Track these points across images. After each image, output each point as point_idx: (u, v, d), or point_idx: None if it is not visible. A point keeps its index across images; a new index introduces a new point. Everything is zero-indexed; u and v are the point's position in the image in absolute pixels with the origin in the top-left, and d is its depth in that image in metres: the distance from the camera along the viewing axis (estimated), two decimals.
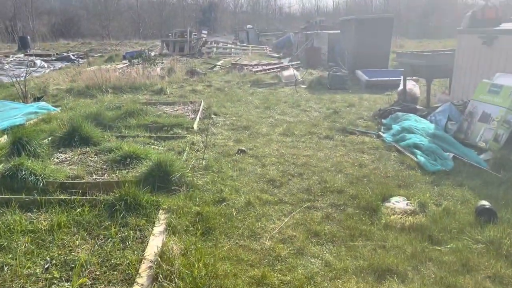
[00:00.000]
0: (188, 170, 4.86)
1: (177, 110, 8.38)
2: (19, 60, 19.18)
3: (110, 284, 2.97)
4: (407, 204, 4.18)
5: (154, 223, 3.79)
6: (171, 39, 22.39)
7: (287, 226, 3.84)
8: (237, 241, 3.61)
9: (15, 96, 9.45)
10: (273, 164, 5.38)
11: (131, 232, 3.63)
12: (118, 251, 3.34)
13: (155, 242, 3.44)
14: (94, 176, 4.85)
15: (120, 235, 3.57)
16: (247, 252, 3.45)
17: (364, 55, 12.27)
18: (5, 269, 3.07)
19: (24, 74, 9.91)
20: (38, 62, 16.99)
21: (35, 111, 7.86)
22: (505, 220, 3.73)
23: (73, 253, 3.30)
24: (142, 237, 3.57)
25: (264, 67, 14.65)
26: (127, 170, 5.02)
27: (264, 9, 59.90)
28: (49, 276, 3.01)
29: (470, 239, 3.47)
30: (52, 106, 8.58)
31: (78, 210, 3.89)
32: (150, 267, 3.11)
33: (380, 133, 6.65)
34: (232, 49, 22.83)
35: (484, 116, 5.91)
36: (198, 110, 8.11)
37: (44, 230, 3.61)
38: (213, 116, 7.95)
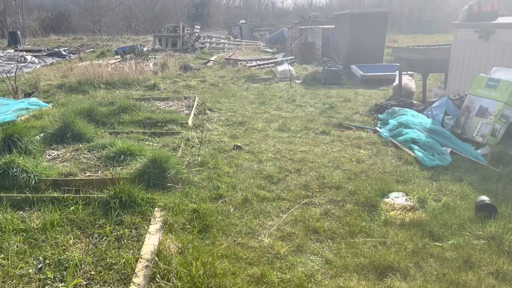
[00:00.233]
0: (183, 167, 4.78)
1: (171, 105, 8.27)
2: (9, 55, 18.88)
3: (106, 284, 2.89)
4: (406, 199, 4.13)
5: (150, 221, 3.71)
6: (163, 34, 22.18)
7: (286, 223, 3.78)
8: (235, 238, 3.54)
9: (6, 92, 9.29)
10: (270, 160, 5.31)
11: (126, 230, 3.54)
12: (114, 250, 3.26)
13: (151, 241, 3.36)
14: (88, 173, 4.75)
15: (115, 234, 3.48)
16: (246, 250, 3.38)
17: (358, 50, 12.22)
18: None
19: (15, 70, 9.72)
20: (28, 57, 16.72)
21: (26, 107, 7.71)
22: (505, 215, 3.70)
23: (66, 253, 3.22)
24: (137, 236, 3.49)
25: (258, 62, 14.56)
26: (121, 167, 4.92)
27: (256, 4, 59.67)
28: (42, 277, 2.92)
29: (471, 235, 3.44)
30: (44, 102, 8.42)
31: (72, 208, 3.80)
32: (146, 267, 3.03)
33: (376, 128, 6.60)
34: (226, 44, 22.69)
35: (481, 111, 5.88)
36: (193, 106, 8.01)
37: (37, 229, 3.51)
38: (207, 111, 7.85)
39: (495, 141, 5.58)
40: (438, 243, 3.35)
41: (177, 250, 3.18)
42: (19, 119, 6.82)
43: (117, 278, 2.94)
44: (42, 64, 16.25)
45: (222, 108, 8.19)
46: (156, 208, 3.92)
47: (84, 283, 2.89)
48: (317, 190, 4.44)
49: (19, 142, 5.10)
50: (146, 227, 3.60)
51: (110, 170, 4.84)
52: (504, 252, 3.19)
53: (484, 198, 3.87)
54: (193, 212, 3.89)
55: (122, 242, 3.39)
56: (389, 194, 4.26)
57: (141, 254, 3.18)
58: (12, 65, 13.68)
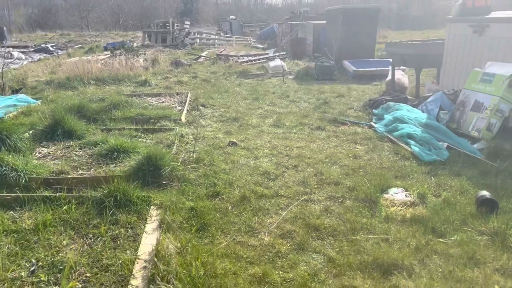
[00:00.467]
0: (179, 164, 4.67)
1: (163, 102, 8.14)
2: None
3: (102, 287, 2.78)
4: (406, 195, 4.09)
5: (146, 220, 3.60)
6: (153, 30, 21.91)
7: (285, 221, 3.70)
8: (234, 237, 3.46)
9: None
10: (266, 156, 5.23)
11: (122, 230, 3.44)
12: (109, 251, 3.15)
13: (149, 241, 3.26)
14: (80, 171, 4.62)
15: (110, 234, 3.38)
16: (246, 248, 3.30)
17: (350, 46, 12.17)
18: None
19: (1, 66, 9.47)
20: (15, 53, 16.37)
21: (14, 104, 7.52)
22: (507, 210, 3.67)
23: (60, 254, 3.10)
24: (134, 235, 3.39)
25: (250, 58, 14.44)
26: (114, 165, 4.80)
27: (246, 0, 59.30)
28: (35, 280, 2.81)
29: (474, 230, 3.40)
30: (32, 98, 8.22)
31: (65, 207, 3.68)
32: (144, 268, 2.93)
33: (371, 123, 6.56)
34: (216, 40, 22.50)
35: (476, 105, 5.86)
36: (185, 102, 7.88)
37: (29, 229, 3.39)
38: (200, 107, 7.74)
39: (490, 136, 5.57)
40: (441, 240, 3.31)
41: (176, 250, 3.08)
42: (7, 116, 6.64)
43: (114, 280, 2.84)
44: (29, 60, 15.91)
45: (215, 104, 8.08)
46: (152, 207, 3.81)
47: (80, 286, 2.78)
48: (316, 186, 4.37)
49: (7, 140, 4.95)
50: (143, 226, 3.49)
51: (103, 167, 4.72)
52: (508, 248, 3.15)
53: (485, 193, 3.84)
54: (191, 210, 3.80)
55: (118, 242, 3.28)
56: (389, 190, 4.21)
57: (138, 254, 3.08)
58: None
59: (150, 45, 20.19)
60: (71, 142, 5.51)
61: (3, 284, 2.76)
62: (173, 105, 7.85)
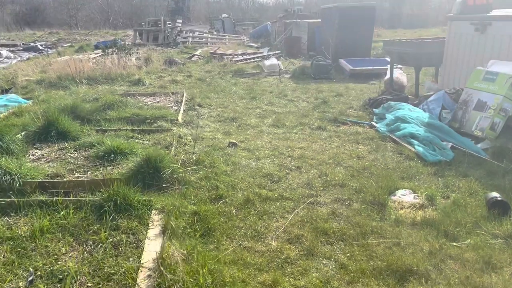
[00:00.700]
0: (178, 166, 4.52)
1: (158, 101, 7.96)
2: None
3: None
4: (414, 197, 3.99)
5: (147, 225, 3.46)
6: (144, 28, 21.61)
7: (292, 225, 3.58)
8: (240, 242, 3.33)
9: None
10: (268, 157, 5.10)
11: (123, 236, 3.29)
12: (111, 259, 3.00)
13: (152, 247, 3.12)
14: (76, 174, 4.45)
15: (111, 240, 3.22)
16: (253, 254, 3.17)
17: (346, 44, 12.07)
18: None
19: None
20: (3, 52, 16.01)
21: (5, 104, 7.29)
22: None
23: (59, 262, 2.95)
24: (136, 242, 3.24)
25: (245, 57, 14.29)
26: (111, 167, 4.64)
27: None
28: None
29: (487, 233, 3.31)
30: (23, 98, 8.00)
31: (62, 213, 3.51)
32: (149, 276, 2.79)
33: (373, 123, 6.46)
34: (209, 39, 22.30)
35: (479, 104, 5.79)
36: (181, 102, 7.72)
37: (25, 236, 3.22)
38: (197, 107, 7.58)
39: (494, 135, 5.50)
40: (454, 243, 3.21)
41: (182, 258, 2.94)
42: None
43: None
44: (19, 59, 15.58)
45: (212, 103, 7.93)
46: (153, 211, 3.66)
47: None
48: (321, 188, 4.25)
49: (0, 142, 4.75)
50: (145, 232, 3.35)
51: (100, 170, 4.55)
52: None
53: (495, 194, 3.75)
54: (194, 214, 3.66)
55: (120, 249, 3.13)
56: (396, 191, 4.11)
57: (141, 262, 2.94)
58: None
59: (141, 43, 19.92)
60: (66, 144, 5.33)
61: None
62: (169, 105, 7.68)
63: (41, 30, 35.10)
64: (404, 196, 4.03)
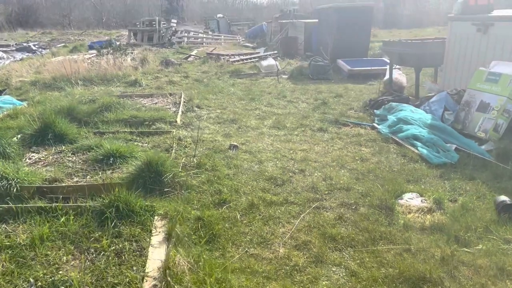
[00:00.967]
0: (180, 169, 4.42)
1: (156, 103, 7.85)
2: None
3: None
4: (422, 201, 3.92)
5: (151, 231, 3.35)
6: (139, 28, 21.44)
7: (299, 230, 3.50)
8: (246, 249, 3.24)
9: None
10: (270, 160, 5.01)
11: (126, 243, 3.18)
12: (114, 267, 2.90)
13: (156, 255, 3.02)
14: (75, 179, 4.33)
15: (113, 248, 3.12)
16: (260, 262, 3.09)
17: (344, 45, 12.01)
18: None
19: None
20: None
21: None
22: None
23: (60, 272, 2.84)
24: (139, 249, 3.13)
25: (242, 57, 14.19)
26: (111, 171, 4.52)
27: None
28: None
29: (499, 239, 3.24)
30: (17, 99, 7.85)
31: (62, 219, 3.39)
32: (155, 286, 2.69)
33: (374, 124, 6.39)
34: (204, 39, 22.17)
35: (482, 106, 5.74)
36: (179, 103, 7.61)
37: (24, 245, 3.10)
38: (196, 109, 7.47)
39: (497, 137, 5.46)
40: (466, 249, 3.14)
41: (188, 266, 2.84)
42: None
43: None
44: (12, 59, 15.36)
45: (211, 105, 7.82)
46: (156, 217, 3.56)
47: None
48: (326, 192, 4.17)
49: None
50: (148, 239, 3.25)
51: (99, 174, 4.44)
52: None
53: (504, 198, 3.69)
54: (197, 220, 3.57)
55: (123, 257, 3.02)
56: (403, 195, 4.04)
57: (146, 271, 2.84)
58: None
59: (136, 43, 19.75)
60: (63, 147, 5.21)
61: None
62: (167, 106, 7.56)
63: (34, 30, 34.75)
64: (412, 200, 3.96)
